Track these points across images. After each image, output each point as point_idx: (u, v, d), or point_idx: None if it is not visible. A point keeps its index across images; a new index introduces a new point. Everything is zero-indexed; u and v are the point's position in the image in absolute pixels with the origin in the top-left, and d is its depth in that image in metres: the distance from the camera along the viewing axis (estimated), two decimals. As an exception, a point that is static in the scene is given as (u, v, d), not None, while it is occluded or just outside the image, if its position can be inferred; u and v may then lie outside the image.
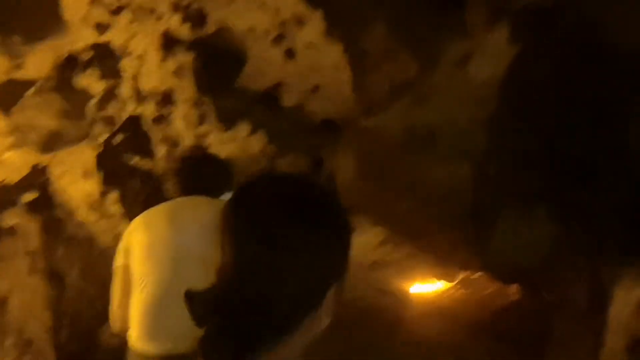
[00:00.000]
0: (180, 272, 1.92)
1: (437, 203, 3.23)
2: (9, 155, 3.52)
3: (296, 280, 0.69)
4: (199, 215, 2.02)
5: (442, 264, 4.24)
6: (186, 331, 0.93)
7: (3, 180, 3.40)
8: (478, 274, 4.39)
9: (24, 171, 3.43)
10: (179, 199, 2.26)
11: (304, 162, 3.32)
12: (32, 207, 3.52)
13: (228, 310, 0.67)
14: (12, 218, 3.50)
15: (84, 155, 3.46)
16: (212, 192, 2.17)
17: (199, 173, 2.30)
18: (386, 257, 6.49)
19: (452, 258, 3.98)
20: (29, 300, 3.54)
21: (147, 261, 2.04)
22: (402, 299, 4.95)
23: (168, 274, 1.99)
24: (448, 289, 4.87)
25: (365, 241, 6.85)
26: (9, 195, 3.47)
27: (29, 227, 3.54)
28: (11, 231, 3.56)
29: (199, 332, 0.68)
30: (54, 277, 3.54)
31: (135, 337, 2.03)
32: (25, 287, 3.55)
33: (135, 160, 3.39)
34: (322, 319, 0.72)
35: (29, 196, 3.47)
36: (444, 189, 3.15)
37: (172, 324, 1.86)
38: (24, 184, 3.46)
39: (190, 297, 0.70)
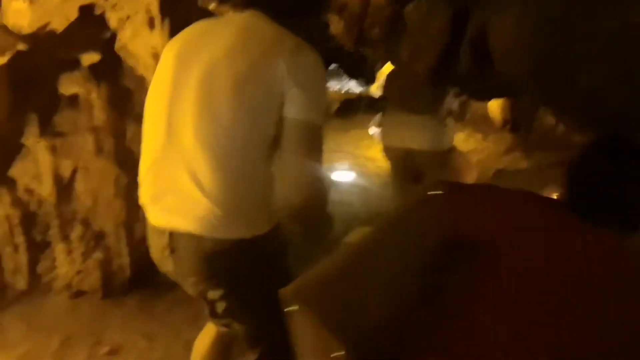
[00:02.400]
0: None
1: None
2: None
3: None
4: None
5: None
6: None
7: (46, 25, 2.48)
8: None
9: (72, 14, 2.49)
10: None
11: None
12: (95, 72, 2.78)
13: None
14: (71, 85, 2.79)
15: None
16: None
17: None
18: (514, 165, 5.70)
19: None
20: (96, 185, 2.92)
21: None
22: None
23: None
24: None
25: (492, 147, 6.02)
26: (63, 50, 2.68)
27: (92, 98, 2.83)
28: (72, 101, 2.87)
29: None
30: (125, 161, 2.86)
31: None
32: (92, 170, 2.91)
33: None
34: None
35: (89, 57, 2.71)
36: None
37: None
38: (79, 37, 2.63)
39: None
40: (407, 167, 3.58)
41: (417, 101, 3.36)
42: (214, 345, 1.82)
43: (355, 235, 1.34)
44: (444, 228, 0.98)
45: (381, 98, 5.52)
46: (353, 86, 4.47)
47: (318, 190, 1.36)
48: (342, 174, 5.81)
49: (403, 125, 3.46)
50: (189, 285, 1.51)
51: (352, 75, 3.97)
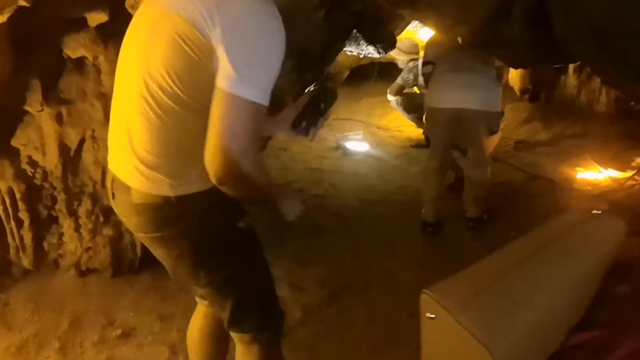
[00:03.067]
0: None
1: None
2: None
3: None
4: None
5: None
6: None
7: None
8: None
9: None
10: None
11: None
12: (102, 33, 2.52)
13: None
14: (77, 47, 2.53)
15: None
16: None
17: None
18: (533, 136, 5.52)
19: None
20: (104, 156, 2.70)
21: None
22: (560, 185, 4.22)
23: None
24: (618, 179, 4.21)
25: (511, 117, 5.80)
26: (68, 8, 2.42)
27: (99, 61, 2.58)
28: (78, 65, 2.62)
29: None
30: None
31: None
32: (100, 140, 2.69)
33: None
34: None
35: (96, 17, 2.44)
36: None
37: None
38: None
39: None
40: (451, 131, 3.52)
41: (471, 59, 3.25)
42: (206, 327, 1.84)
43: None
44: (611, 246, 0.82)
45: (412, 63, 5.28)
46: (372, 51, 4.23)
47: (234, 169, 1.23)
48: (355, 144, 5.59)
49: (454, 85, 3.38)
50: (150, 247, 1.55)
51: (371, 40, 3.74)
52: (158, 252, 1.54)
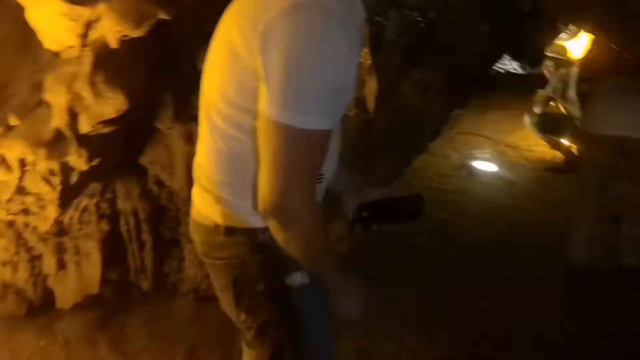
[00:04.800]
0: None
1: None
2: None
3: None
4: None
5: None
6: None
7: None
8: None
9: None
10: None
11: None
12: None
13: None
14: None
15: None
16: None
17: None
18: None
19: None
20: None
21: None
22: None
23: None
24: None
25: None
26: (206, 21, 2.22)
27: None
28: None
29: None
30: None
31: None
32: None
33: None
34: None
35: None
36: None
37: None
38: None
39: None
40: (613, 162, 3.03)
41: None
42: None
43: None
44: None
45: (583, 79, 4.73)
46: (516, 67, 3.77)
47: (280, 201, 1.04)
48: (482, 164, 5.10)
49: (623, 108, 2.89)
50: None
51: (516, 55, 3.32)
52: (211, 279, 1.41)
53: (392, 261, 3.20)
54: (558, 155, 5.11)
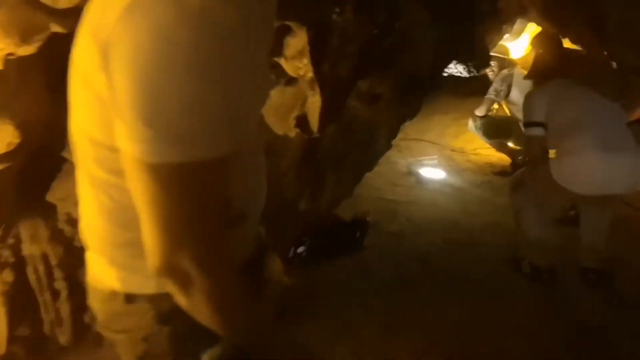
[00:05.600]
0: None
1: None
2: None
3: None
4: None
5: None
6: None
7: None
8: None
9: None
10: None
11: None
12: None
13: None
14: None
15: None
16: None
17: None
18: None
19: None
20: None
21: None
22: None
23: None
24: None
25: None
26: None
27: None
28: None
29: None
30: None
31: None
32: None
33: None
34: None
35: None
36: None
37: None
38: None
39: None
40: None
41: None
42: None
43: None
44: None
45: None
46: (461, 70, 3.64)
47: (168, 258, 0.79)
48: (429, 170, 4.95)
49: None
50: None
51: (462, 58, 3.19)
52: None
53: (344, 285, 2.98)
54: (504, 158, 5.04)
